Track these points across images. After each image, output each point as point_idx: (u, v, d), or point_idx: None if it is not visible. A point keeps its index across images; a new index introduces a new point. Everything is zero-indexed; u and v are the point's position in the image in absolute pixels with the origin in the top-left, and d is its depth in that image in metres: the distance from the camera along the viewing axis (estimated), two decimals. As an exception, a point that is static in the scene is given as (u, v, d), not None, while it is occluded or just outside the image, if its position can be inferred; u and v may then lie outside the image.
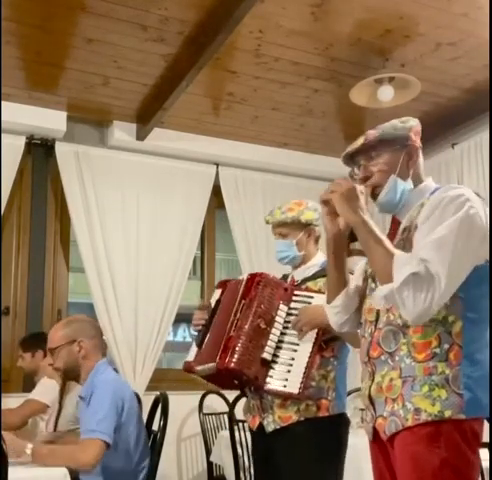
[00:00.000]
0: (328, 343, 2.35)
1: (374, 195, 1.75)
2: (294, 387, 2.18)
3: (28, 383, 3.89)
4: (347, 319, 1.85)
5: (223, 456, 3.60)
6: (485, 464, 2.00)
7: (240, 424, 3.26)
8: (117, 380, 2.64)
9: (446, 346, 1.59)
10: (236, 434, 3.25)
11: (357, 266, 1.90)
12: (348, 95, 3.76)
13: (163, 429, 2.70)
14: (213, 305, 2.44)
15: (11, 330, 4.12)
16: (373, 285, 1.75)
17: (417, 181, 1.76)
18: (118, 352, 4.17)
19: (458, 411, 1.54)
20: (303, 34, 3.32)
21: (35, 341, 3.61)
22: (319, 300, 2.26)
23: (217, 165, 4.75)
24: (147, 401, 2.98)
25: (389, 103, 3.71)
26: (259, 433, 2.38)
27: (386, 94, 3.61)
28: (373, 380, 1.68)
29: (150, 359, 4.27)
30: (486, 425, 1.65)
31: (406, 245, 1.66)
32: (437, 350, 1.59)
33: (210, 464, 3.99)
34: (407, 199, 1.74)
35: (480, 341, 1.61)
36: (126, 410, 2.48)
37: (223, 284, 2.50)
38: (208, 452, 4.00)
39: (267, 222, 2.55)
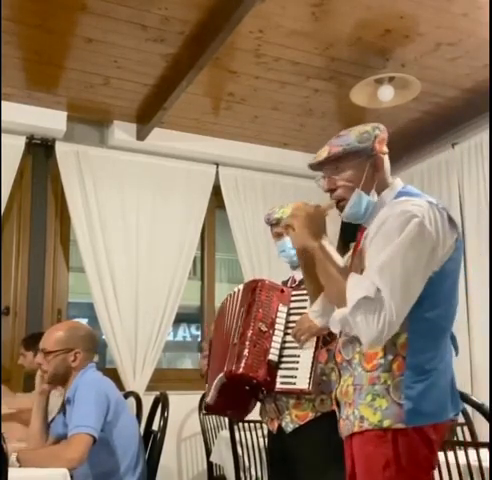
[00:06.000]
0: (332, 336, 2.37)
1: (340, 207, 1.78)
2: (303, 383, 2.20)
3: (29, 383, 3.89)
4: (327, 321, 1.86)
5: (223, 456, 3.59)
6: (485, 464, 2.01)
7: (240, 424, 3.26)
8: (99, 379, 2.59)
9: (390, 357, 1.63)
10: (236, 434, 3.25)
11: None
12: (348, 95, 3.76)
13: (163, 429, 2.70)
14: (208, 348, 2.55)
15: (11, 330, 4.12)
16: None
17: (382, 187, 1.78)
18: (118, 352, 4.17)
19: (398, 421, 1.58)
20: (303, 34, 3.32)
21: (37, 340, 3.60)
22: None
23: (217, 165, 4.74)
24: (147, 401, 2.98)
25: (389, 103, 3.71)
26: (279, 435, 2.40)
27: (386, 94, 3.61)
28: (339, 383, 1.75)
29: (150, 359, 4.27)
30: (487, 426, 1.67)
31: (362, 254, 1.70)
32: (382, 361, 1.63)
33: (210, 464, 3.99)
34: (372, 209, 1.75)
35: (431, 351, 1.63)
36: (112, 408, 2.45)
37: (212, 327, 2.62)
38: (208, 452, 4.00)
39: (278, 220, 2.54)
